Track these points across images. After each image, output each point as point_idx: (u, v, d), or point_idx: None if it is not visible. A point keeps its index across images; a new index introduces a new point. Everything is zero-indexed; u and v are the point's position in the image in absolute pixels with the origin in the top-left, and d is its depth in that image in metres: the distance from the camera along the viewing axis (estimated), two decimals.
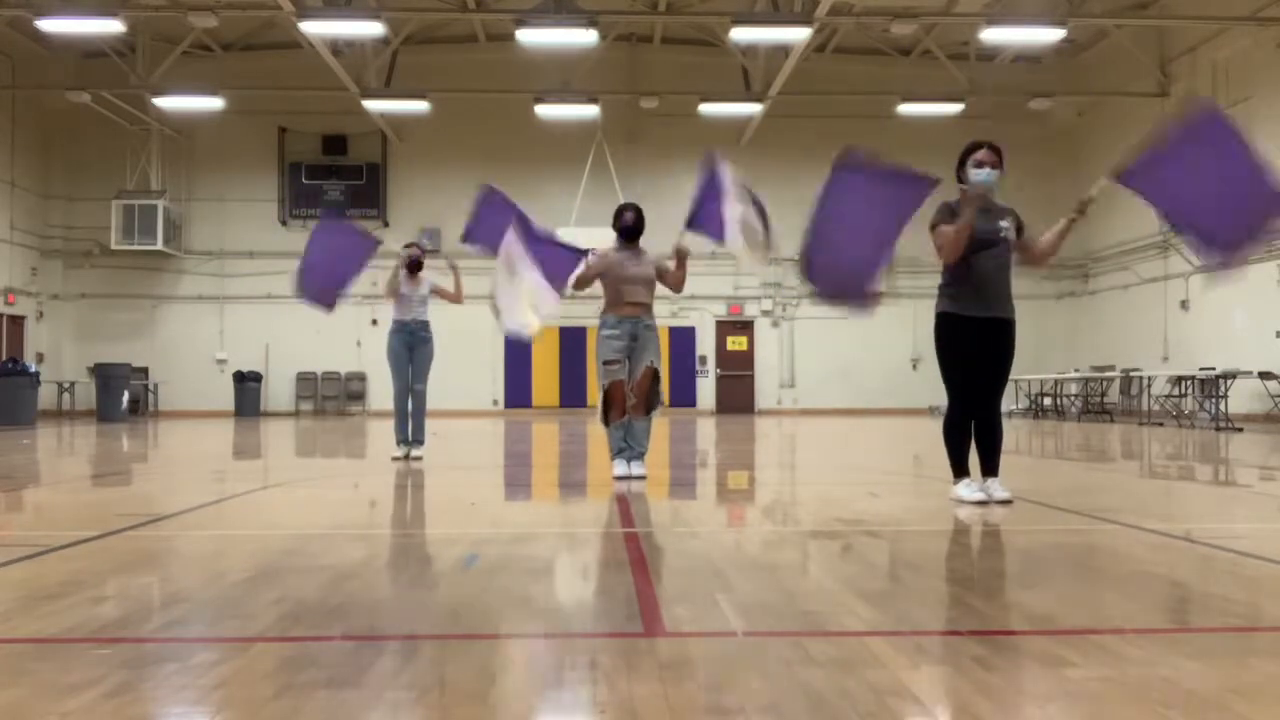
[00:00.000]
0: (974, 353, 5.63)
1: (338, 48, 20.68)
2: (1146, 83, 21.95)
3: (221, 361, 25.07)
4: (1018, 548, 4.55)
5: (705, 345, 25.88)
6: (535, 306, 6.79)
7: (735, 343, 25.96)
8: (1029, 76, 23.61)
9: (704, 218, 6.92)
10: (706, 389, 25.83)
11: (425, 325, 9.54)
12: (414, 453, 9.35)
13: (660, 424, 11.63)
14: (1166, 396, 18.53)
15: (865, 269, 5.44)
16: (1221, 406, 16.59)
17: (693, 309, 25.21)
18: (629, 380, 7.06)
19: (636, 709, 2.16)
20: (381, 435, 13.86)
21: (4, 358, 21.08)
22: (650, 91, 23.56)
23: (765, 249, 6.79)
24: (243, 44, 23.85)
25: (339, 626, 2.95)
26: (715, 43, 22.45)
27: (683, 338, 25.38)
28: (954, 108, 22.20)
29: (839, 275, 5.53)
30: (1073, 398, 21.77)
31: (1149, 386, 19.45)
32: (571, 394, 24.79)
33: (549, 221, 24.83)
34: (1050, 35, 19.52)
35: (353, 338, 24.26)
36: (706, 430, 16.67)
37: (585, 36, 18.26)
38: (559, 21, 17.90)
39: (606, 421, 7.11)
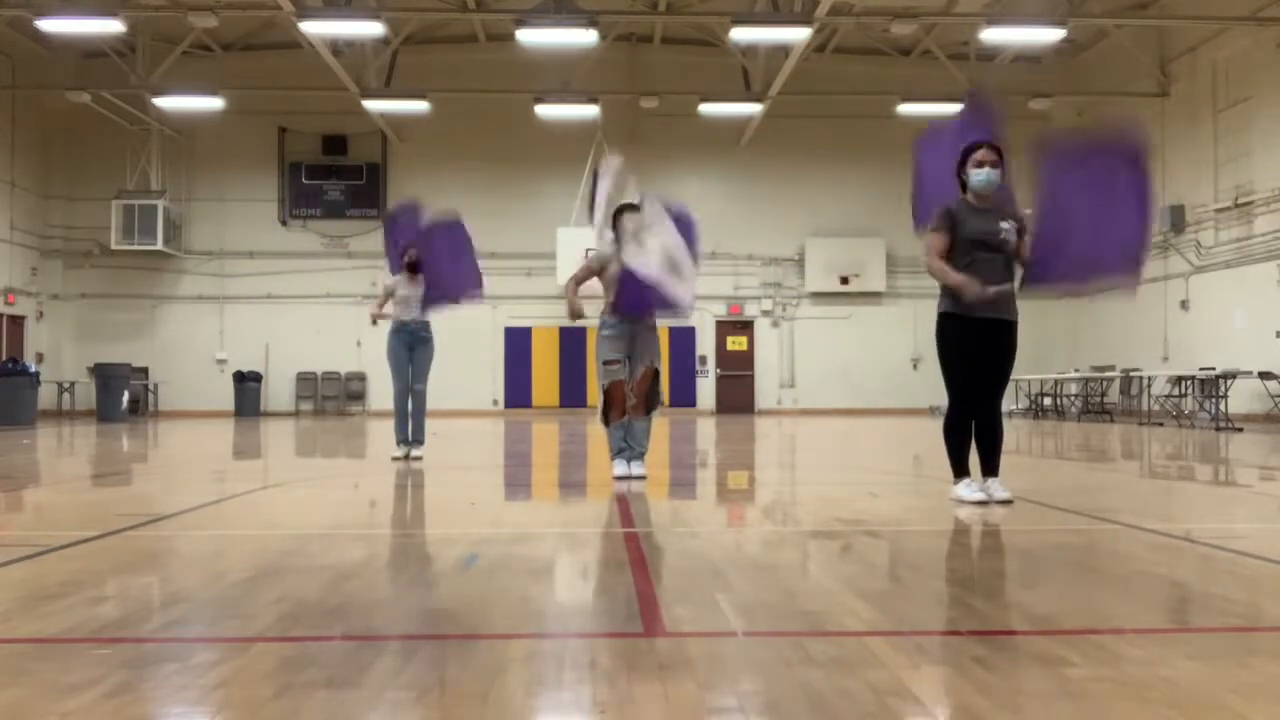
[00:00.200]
0: (975, 353, 5.62)
1: (338, 48, 20.68)
2: (1146, 83, 21.95)
3: (221, 361, 25.07)
4: (1018, 548, 4.55)
5: (705, 345, 25.88)
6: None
7: (735, 343, 25.95)
8: (1029, 76, 23.61)
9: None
10: (706, 389, 25.83)
11: (425, 325, 9.54)
12: (414, 453, 9.35)
13: (660, 424, 11.63)
14: (1166, 396, 18.53)
15: (1125, 247, 5.28)
16: (1221, 406, 16.60)
17: (693, 309, 25.18)
18: (629, 380, 7.06)
19: (636, 709, 2.16)
20: (381, 435, 13.86)
21: (4, 358, 21.08)
22: (650, 91, 23.56)
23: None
24: (243, 44, 23.85)
25: (339, 626, 2.95)
26: (715, 43, 22.45)
27: (683, 338, 25.38)
28: (954, 108, 22.14)
29: (1093, 263, 5.36)
30: (1073, 398, 21.77)
31: (1149, 386, 19.45)
32: (571, 394, 24.79)
33: (548, 221, 24.87)
34: (1050, 35, 19.52)
35: (353, 338, 24.26)
36: (706, 430, 16.67)
37: (585, 36, 18.26)
38: (559, 21, 17.90)
39: (606, 421, 7.11)
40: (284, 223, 25.48)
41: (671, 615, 3.06)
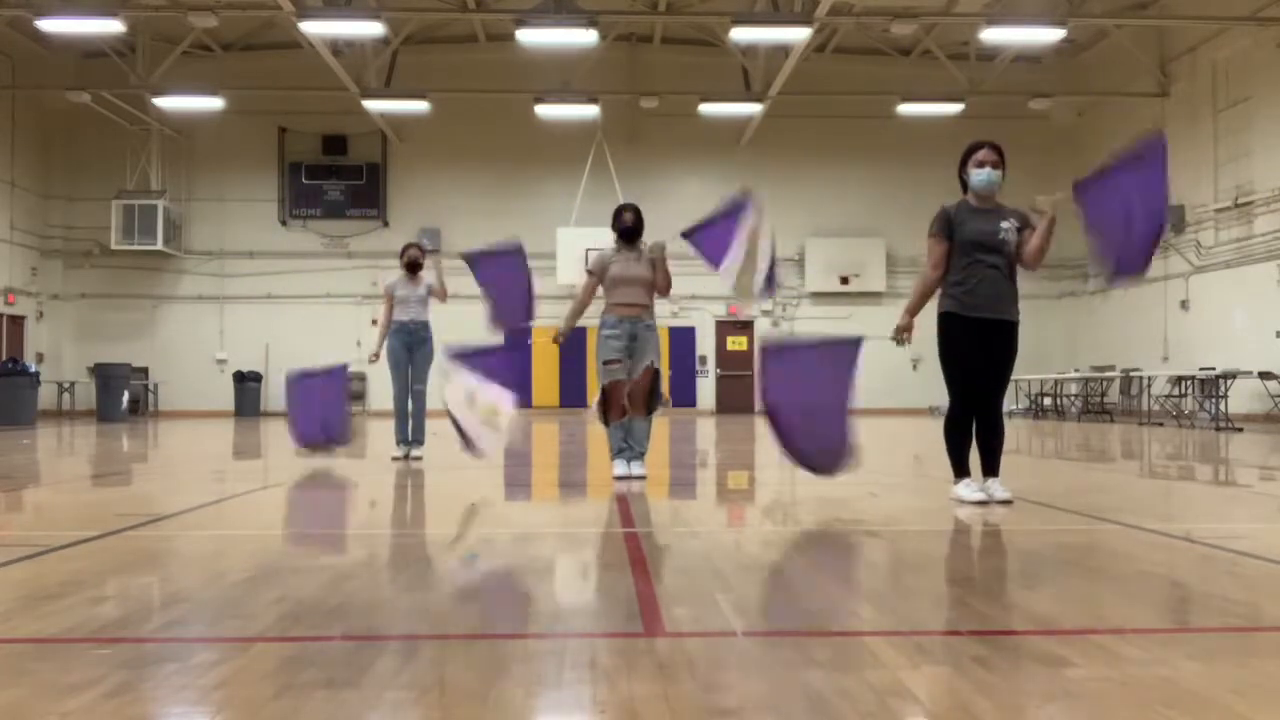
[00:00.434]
0: (975, 353, 5.62)
1: (338, 48, 20.68)
2: (1146, 83, 21.95)
3: (221, 361, 25.07)
4: (1018, 548, 4.55)
5: (705, 345, 25.88)
6: (498, 417, 6.91)
7: (735, 343, 25.95)
8: (1029, 76, 23.60)
9: (707, 237, 6.97)
10: (706, 389, 25.83)
11: (425, 325, 9.55)
12: (414, 453, 9.35)
13: (660, 424, 11.62)
14: (1166, 396, 18.53)
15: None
16: (1221, 406, 16.59)
17: (693, 309, 25.21)
18: (629, 380, 7.06)
19: (636, 709, 2.16)
20: (381, 435, 13.86)
21: (4, 358, 21.09)
22: (650, 91, 23.56)
23: (752, 296, 7.03)
24: (243, 44, 23.85)
25: (339, 626, 2.95)
26: (715, 43, 22.45)
27: (683, 338, 25.38)
28: (954, 108, 22.20)
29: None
30: (1073, 398, 21.77)
31: (1149, 386, 19.46)
32: (571, 394, 24.79)
33: (548, 221, 24.83)
34: (1050, 35, 19.52)
35: (353, 338, 24.24)
36: (706, 430, 16.67)
37: (585, 36, 18.26)
38: (559, 21, 17.90)
39: (606, 421, 7.11)
40: (284, 223, 25.48)
41: (671, 615, 3.06)
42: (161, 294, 25.36)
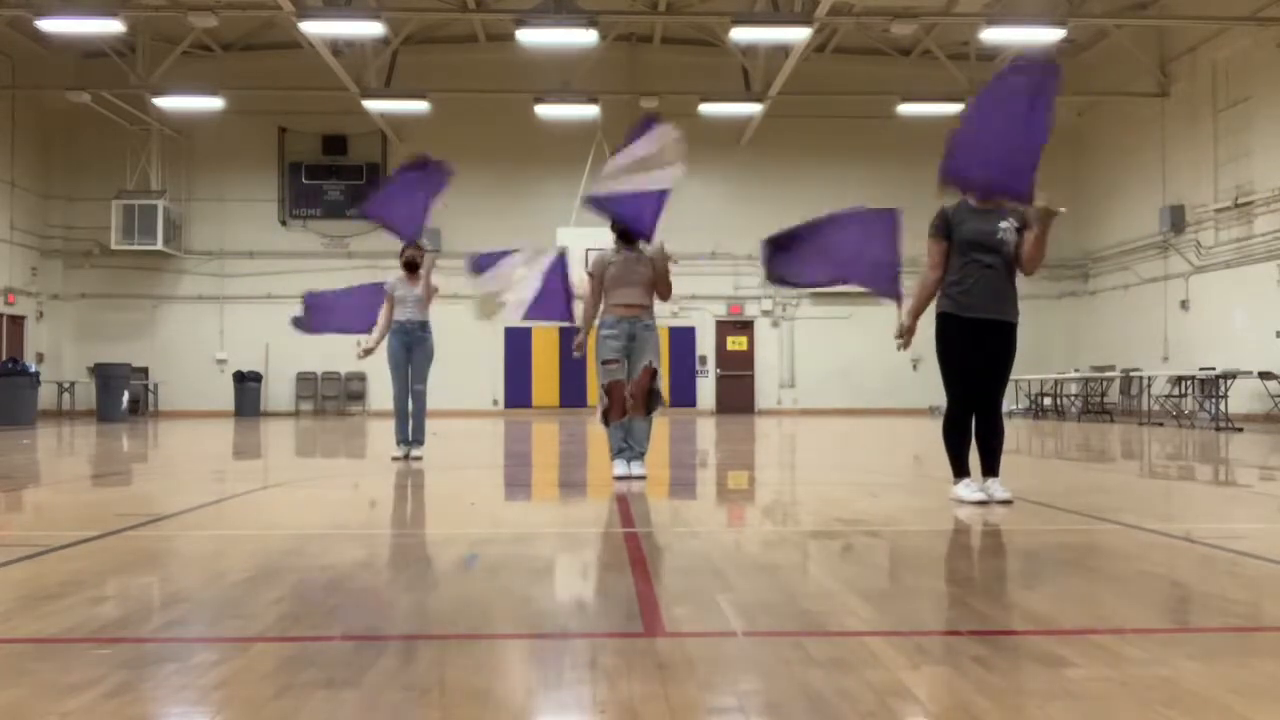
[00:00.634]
0: (972, 353, 5.62)
1: (338, 48, 20.68)
2: (1146, 83, 21.95)
3: (221, 361, 25.07)
4: (1018, 548, 4.55)
5: (705, 345, 25.88)
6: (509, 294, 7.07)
7: (735, 343, 25.96)
8: None
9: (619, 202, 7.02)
10: (706, 389, 25.83)
11: (424, 325, 9.53)
12: (414, 453, 9.35)
13: (660, 424, 11.63)
14: (1166, 396, 18.53)
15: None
16: (1221, 406, 16.60)
17: (693, 309, 25.22)
18: (628, 380, 7.06)
19: (636, 709, 2.16)
20: (381, 435, 13.87)
21: (4, 358, 21.08)
22: (650, 91, 23.54)
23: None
24: (243, 44, 23.86)
25: (339, 626, 2.95)
26: (715, 43, 22.45)
27: (683, 338, 25.38)
28: (954, 108, 22.17)
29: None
30: (1073, 398, 21.77)
31: (1149, 386, 19.46)
32: (571, 394, 24.80)
33: (548, 221, 24.93)
34: (1050, 35, 19.50)
35: (352, 337, 24.23)
36: (706, 430, 16.67)
37: (585, 36, 18.27)
38: (559, 21, 17.90)
39: (606, 421, 7.11)
40: (284, 223, 25.49)
41: (671, 615, 3.06)
42: (161, 294, 25.36)
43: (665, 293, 7.26)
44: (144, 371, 24.44)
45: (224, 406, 24.39)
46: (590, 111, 22.18)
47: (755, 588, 3.50)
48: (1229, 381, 16.77)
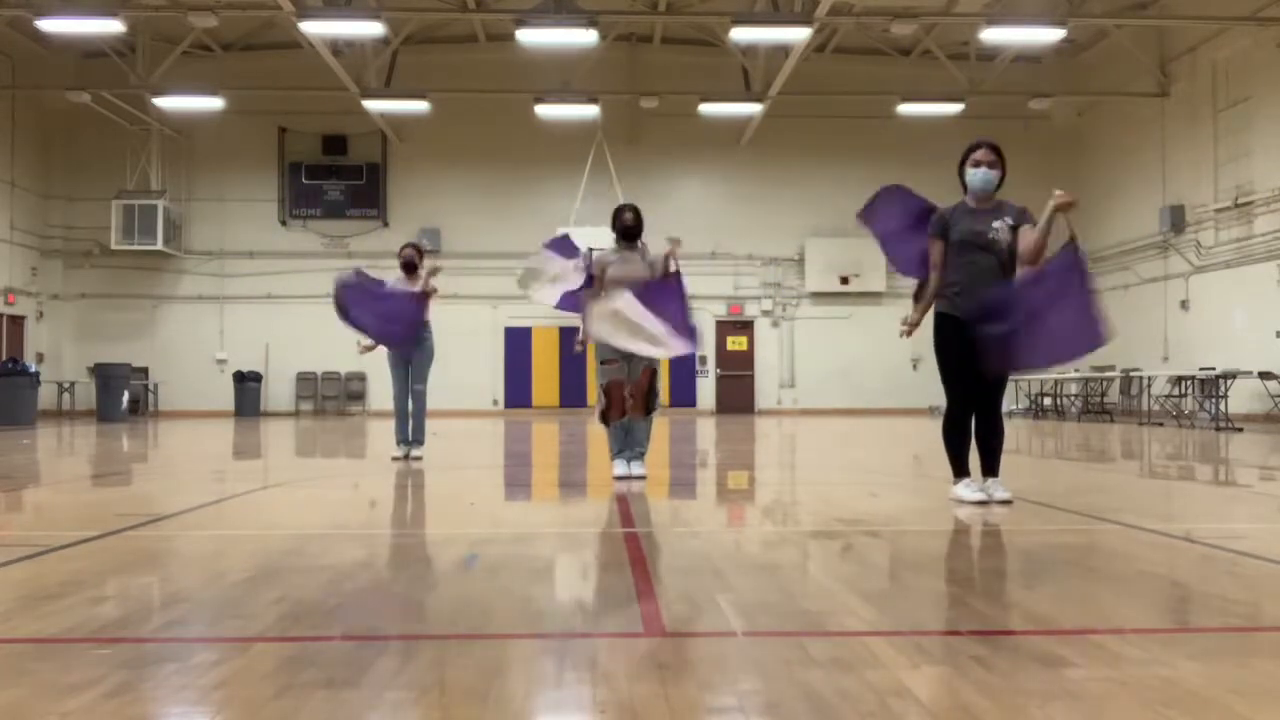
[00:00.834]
0: (971, 353, 5.61)
1: (338, 48, 20.67)
2: (1146, 83, 21.95)
3: (221, 361, 25.06)
4: (1018, 548, 4.55)
5: (705, 345, 25.86)
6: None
7: (735, 343, 25.95)
8: (1029, 76, 23.60)
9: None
10: (706, 389, 25.82)
11: (424, 326, 9.54)
12: (414, 453, 9.35)
13: (660, 424, 11.63)
14: (1166, 396, 18.53)
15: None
16: (1221, 406, 16.59)
17: (693, 309, 25.18)
18: (627, 380, 7.06)
19: (636, 709, 2.16)
20: (381, 435, 13.86)
21: (4, 358, 21.08)
22: (650, 91, 23.55)
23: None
24: (243, 44, 23.85)
25: (339, 626, 2.95)
26: (715, 43, 22.44)
27: None
28: (954, 108, 22.21)
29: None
30: (1073, 398, 21.77)
31: (1149, 386, 19.45)
32: (571, 394, 24.79)
33: (549, 221, 24.92)
34: (1050, 35, 19.52)
35: (352, 337, 24.19)
36: (706, 430, 16.67)
37: (585, 36, 18.25)
38: (559, 21, 17.90)
39: (605, 421, 7.11)
40: (284, 223, 25.48)
41: (671, 615, 3.06)
42: (161, 294, 25.35)
43: None
44: (144, 371, 24.43)
45: (224, 406, 24.38)
46: (590, 111, 22.18)
47: (755, 588, 3.50)
48: (1229, 381, 16.77)
